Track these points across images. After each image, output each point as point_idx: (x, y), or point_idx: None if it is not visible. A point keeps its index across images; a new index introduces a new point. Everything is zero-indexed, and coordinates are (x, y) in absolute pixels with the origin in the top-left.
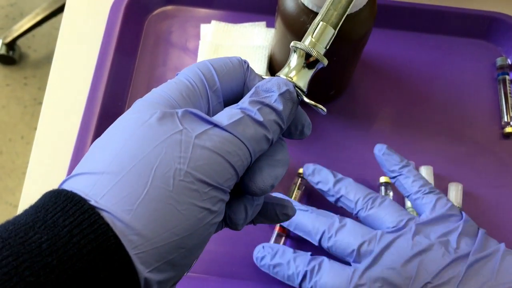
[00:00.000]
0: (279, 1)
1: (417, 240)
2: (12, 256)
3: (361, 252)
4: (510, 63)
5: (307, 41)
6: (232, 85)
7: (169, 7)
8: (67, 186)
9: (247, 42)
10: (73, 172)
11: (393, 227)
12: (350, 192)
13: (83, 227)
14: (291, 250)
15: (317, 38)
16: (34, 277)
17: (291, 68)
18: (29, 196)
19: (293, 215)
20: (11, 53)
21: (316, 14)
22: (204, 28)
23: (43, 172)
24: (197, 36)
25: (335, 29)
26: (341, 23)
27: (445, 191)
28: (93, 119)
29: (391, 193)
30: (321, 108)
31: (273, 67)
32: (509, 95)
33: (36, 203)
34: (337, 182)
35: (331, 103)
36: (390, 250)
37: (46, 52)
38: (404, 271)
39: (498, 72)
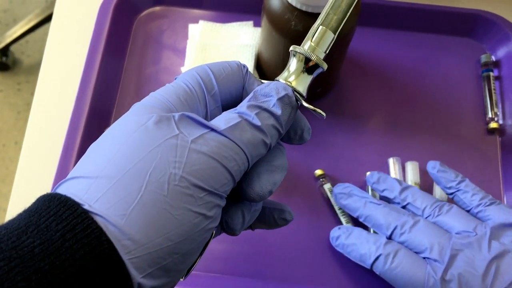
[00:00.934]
0: (265, 0)
1: (493, 245)
2: (3, 260)
3: (434, 251)
4: (494, 60)
5: (307, 45)
6: (231, 89)
7: (157, 8)
8: (62, 190)
9: (234, 41)
10: (68, 176)
11: (464, 230)
12: (417, 199)
13: (76, 231)
14: (365, 231)
15: (317, 42)
16: (25, 282)
17: (291, 72)
18: (18, 200)
19: (291, 219)
20: (4, 59)
21: (300, 11)
22: (192, 28)
23: (32, 176)
24: (186, 36)
25: (334, 34)
26: (341, 27)
27: (430, 187)
28: (82, 120)
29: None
30: (320, 113)
31: (261, 65)
32: (493, 91)
33: (29, 207)
34: (403, 190)
35: (318, 101)
36: (466, 253)
37: (39, 58)
38: (482, 275)
39: (482, 69)
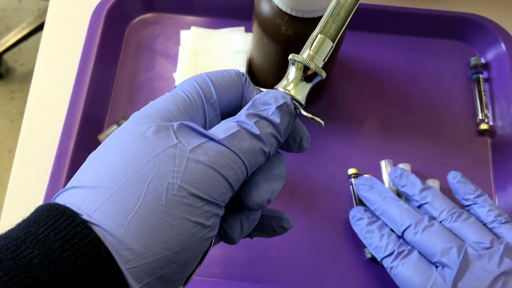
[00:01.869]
0: (255, 5)
1: (505, 261)
2: (2, 271)
3: (445, 256)
4: (483, 62)
5: (305, 54)
6: (230, 98)
7: (149, 15)
8: (60, 200)
9: (226, 46)
10: (67, 186)
11: (479, 242)
12: (436, 201)
13: (74, 241)
14: (388, 227)
15: (315, 51)
16: None
17: (289, 80)
18: (11, 209)
19: (290, 227)
20: None
21: (290, 16)
22: (184, 34)
23: (26, 185)
24: (178, 43)
25: (333, 42)
26: (339, 35)
27: None
28: (75, 127)
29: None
30: (319, 121)
31: (252, 71)
32: (483, 93)
33: (28, 217)
34: (424, 189)
35: (309, 104)
36: (475, 264)
37: (32, 66)
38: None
39: (472, 71)
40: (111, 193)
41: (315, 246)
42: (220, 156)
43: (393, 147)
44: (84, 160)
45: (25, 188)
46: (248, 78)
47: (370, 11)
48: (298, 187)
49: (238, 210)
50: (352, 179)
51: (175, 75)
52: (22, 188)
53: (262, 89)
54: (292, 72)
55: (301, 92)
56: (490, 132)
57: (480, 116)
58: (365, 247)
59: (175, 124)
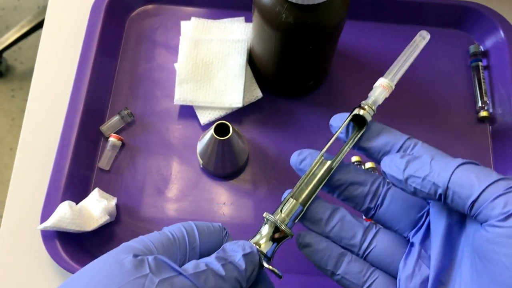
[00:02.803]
0: None
1: None
2: None
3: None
4: (482, 50)
5: (278, 214)
6: (210, 246)
7: (149, 6)
8: None
9: (226, 36)
10: None
11: None
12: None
13: None
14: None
15: (287, 213)
16: None
17: (262, 235)
18: (13, 207)
19: None
20: None
21: (290, 3)
22: (184, 24)
23: (27, 182)
24: (178, 33)
25: (303, 207)
26: (310, 201)
27: None
28: (76, 120)
29: None
30: (278, 274)
31: (253, 60)
32: (482, 80)
33: None
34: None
35: (310, 93)
36: None
37: (32, 64)
38: None
39: (471, 59)
40: None
41: None
42: None
43: None
44: (87, 150)
45: (27, 187)
46: (228, 232)
47: (370, 1)
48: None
49: None
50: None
51: (176, 65)
52: (24, 187)
53: (235, 240)
54: (265, 229)
55: (269, 246)
56: (490, 119)
57: (479, 104)
58: None
59: (151, 257)
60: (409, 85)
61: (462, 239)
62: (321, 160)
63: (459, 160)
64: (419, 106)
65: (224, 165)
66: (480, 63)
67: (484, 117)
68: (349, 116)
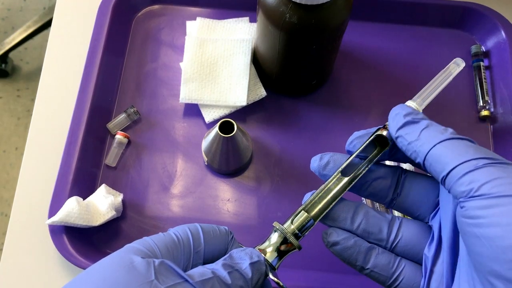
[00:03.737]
0: None
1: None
2: None
3: None
4: (484, 50)
5: (287, 224)
6: (215, 250)
7: (155, 6)
8: None
9: (231, 36)
10: None
11: None
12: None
13: None
14: None
15: (297, 226)
16: None
17: (270, 243)
18: (21, 205)
19: None
20: (3, 66)
21: (294, 3)
22: (190, 24)
23: (34, 181)
24: (183, 33)
25: (315, 221)
26: (322, 216)
27: None
28: (83, 118)
29: None
30: (282, 286)
31: (257, 59)
32: (484, 80)
33: None
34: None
35: (313, 92)
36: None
37: (38, 64)
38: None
39: (473, 59)
40: None
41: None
42: None
43: None
44: (94, 147)
45: (35, 186)
46: (234, 237)
47: (372, 1)
48: (302, 173)
49: None
50: None
51: (181, 64)
52: (31, 186)
53: (242, 245)
54: (273, 237)
55: (276, 256)
56: (491, 118)
57: (481, 103)
58: None
59: (157, 261)
60: (410, 84)
61: None
62: (338, 175)
63: (448, 135)
64: None
65: (228, 162)
66: (481, 63)
67: (485, 116)
68: (371, 136)
